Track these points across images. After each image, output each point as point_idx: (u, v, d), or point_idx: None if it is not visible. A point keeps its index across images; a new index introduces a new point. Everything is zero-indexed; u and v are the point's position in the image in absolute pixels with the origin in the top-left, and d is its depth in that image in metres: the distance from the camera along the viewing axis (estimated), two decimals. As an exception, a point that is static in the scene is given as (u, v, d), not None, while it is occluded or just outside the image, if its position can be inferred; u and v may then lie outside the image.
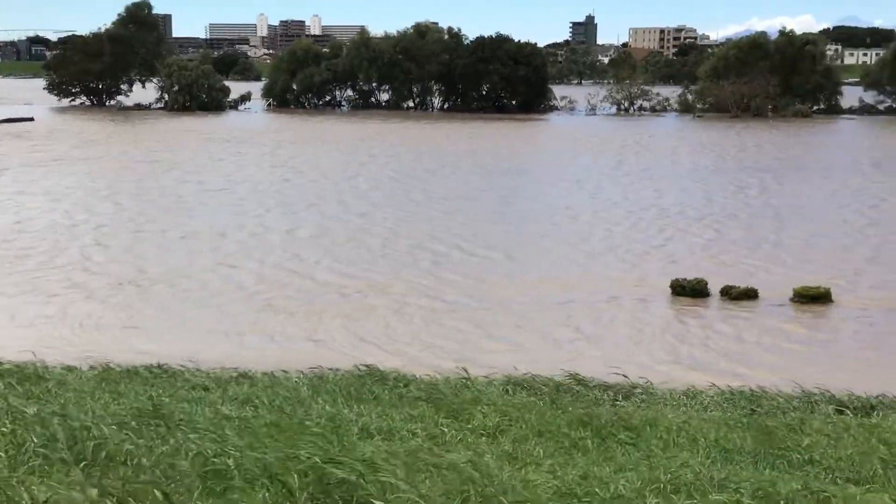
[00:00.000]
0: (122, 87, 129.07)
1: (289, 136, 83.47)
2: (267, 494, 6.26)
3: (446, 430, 10.66)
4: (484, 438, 10.29)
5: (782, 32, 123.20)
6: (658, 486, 7.51)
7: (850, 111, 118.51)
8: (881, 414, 14.53)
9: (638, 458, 8.97)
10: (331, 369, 17.01)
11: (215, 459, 7.06)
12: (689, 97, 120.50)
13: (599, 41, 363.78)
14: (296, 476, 6.43)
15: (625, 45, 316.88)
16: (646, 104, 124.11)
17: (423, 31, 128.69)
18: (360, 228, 36.45)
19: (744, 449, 9.82)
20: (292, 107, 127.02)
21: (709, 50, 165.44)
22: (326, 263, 30.13)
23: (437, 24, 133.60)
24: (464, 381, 16.19)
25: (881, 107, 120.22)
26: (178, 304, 24.89)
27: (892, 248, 33.38)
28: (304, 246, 33.04)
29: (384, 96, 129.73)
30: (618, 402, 15.20)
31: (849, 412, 14.67)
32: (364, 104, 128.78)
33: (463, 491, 6.41)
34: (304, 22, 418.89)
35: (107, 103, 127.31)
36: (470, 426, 10.99)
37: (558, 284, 27.58)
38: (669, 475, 7.89)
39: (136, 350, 19.55)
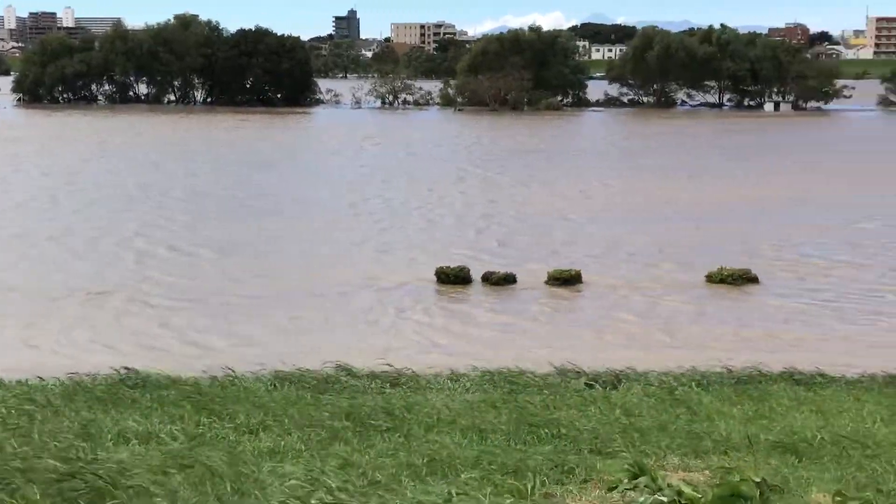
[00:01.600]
0: None
1: (25, 132, 78.97)
2: (6, 509, 5.94)
3: (208, 430, 10.47)
4: (246, 436, 10.19)
5: (533, 29, 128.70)
6: (414, 469, 7.72)
7: (597, 103, 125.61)
8: (626, 386, 15.52)
9: (397, 444, 9.18)
10: (88, 375, 16.23)
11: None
12: (450, 91, 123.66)
13: (363, 36, 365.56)
14: (36, 488, 6.13)
15: (387, 39, 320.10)
16: (409, 98, 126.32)
17: (186, 23, 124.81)
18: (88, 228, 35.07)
19: (499, 427, 10.25)
20: (45, 102, 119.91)
21: (466, 45, 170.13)
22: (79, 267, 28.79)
23: (197, 16, 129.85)
24: (230, 379, 15.90)
25: (625, 99, 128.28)
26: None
27: (631, 229, 35.73)
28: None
29: (144, 89, 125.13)
30: (385, 391, 15.40)
31: (598, 386, 15.58)
32: (122, 98, 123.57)
33: (216, 488, 6.34)
34: (55, 14, 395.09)
35: None
36: (232, 425, 10.84)
37: (328, 276, 27.68)
38: (426, 458, 8.12)
39: None
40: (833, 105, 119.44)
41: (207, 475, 6.76)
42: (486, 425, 10.35)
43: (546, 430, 9.91)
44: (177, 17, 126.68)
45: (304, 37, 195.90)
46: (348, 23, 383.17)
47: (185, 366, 18.02)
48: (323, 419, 11.21)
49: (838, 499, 6.37)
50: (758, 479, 6.55)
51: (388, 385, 15.95)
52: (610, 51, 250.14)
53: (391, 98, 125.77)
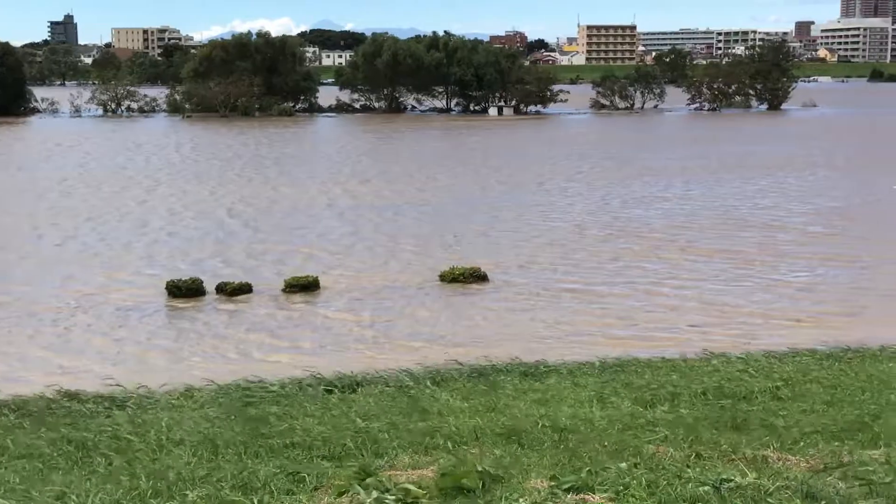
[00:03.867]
0: None
1: None
2: None
3: None
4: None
5: (261, 34, 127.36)
6: (138, 494, 7.38)
7: (329, 109, 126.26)
8: (365, 389, 15.61)
9: (121, 469, 8.73)
10: None
11: None
12: (178, 97, 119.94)
13: (81, 41, 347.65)
14: None
15: (108, 45, 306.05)
16: (134, 105, 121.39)
17: None
18: None
19: (232, 441, 10.00)
20: None
21: (192, 51, 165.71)
22: None
23: None
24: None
25: (357, 105, 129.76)
26: None
27: (370, 229, 36.23)
28: None
29: None
30: (112, 413, 14.62)
31: (337, 391, 15.57)
32: None
33: None
34: None
35: None
36: (-65, 463, 9.89)
37: (43, 296, 25.99)
38: (152, 480, 7.78)
39: None
40: (551, 109, 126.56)
41: None
42: (220, 441, 10.06)
43: (280, 441, 9.77)
44: None
45: (17, 42, 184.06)
46: (65, 28, 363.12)
47: None
48: (41, 448, 10.49)
49: (553, 482, 6.71)
50: (479, 470, 6.80)
51: (114, 407, 15.17)
52: (340, 57, 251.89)
53: (114, 105, 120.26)
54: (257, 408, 13.44)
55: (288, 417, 12.08)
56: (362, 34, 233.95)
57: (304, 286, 26.84)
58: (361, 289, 27.18)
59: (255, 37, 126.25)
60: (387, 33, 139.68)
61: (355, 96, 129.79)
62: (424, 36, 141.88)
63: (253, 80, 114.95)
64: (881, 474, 7.16)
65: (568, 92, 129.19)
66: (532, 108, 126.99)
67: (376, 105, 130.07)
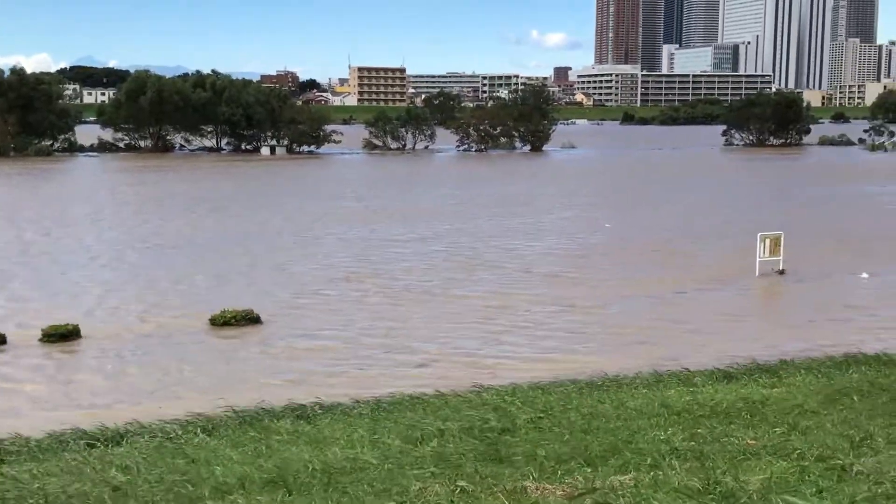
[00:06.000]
0: None
1: None
2: None
3: None
4: None
5: (15, 71, 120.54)
6: None
7: (92, 148, 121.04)
8: (131, 440, 14.96)
9: None
10: None
11: None
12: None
13: None
14: None
15: None
16: None
17: None
18: None
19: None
20: None
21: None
22: None
23: None
24: None
25: (121, 144, 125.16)
26: None
27: (131, 274, 34.86)
28: None
29: None
30: None
31: (100, 445, 14.85)
32: None
33: None
34: None
35: None
36: None
37: None
38: None
39: None
40: (325, 149, 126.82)
41: None
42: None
43: (33, 501, 9.21)
44: None
45: None
46: None
47: None
48: None
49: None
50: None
51: None
52: (103, 94, 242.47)
53: None
54: (9, 467, 12.61)
55: (40, 477, 11.40)
56: (126, 71, 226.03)
57: (64, 335, 25.40)
58: (126, 336, 26.07)
59: (7, 73, 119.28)
60: (150, 71, 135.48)
61: (119, 135, 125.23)
62: (191, 74, 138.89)
63: (7, 119, 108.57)
64: (629, 498, 7.62)
65: (341, 133, 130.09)
66: (305, 147, 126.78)
67: (141, 144, 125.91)
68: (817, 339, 25.05)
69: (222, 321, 27.25)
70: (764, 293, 33.34)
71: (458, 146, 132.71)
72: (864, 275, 34.65)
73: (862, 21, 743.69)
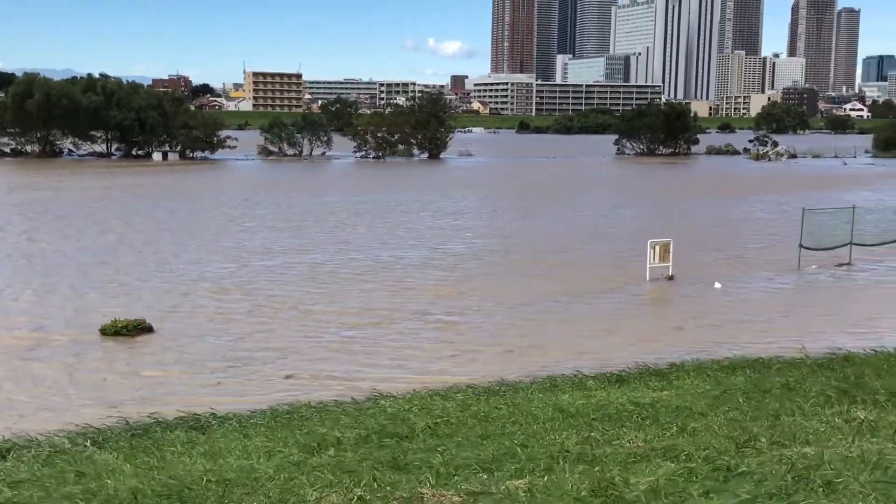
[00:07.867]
0: None
1: None
2: None
3: None
4: None
5: None
6: None
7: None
8: (16, 455, 14.50)
9: None
10: None
11: None
12: None
13: None
14: None
15: None
16: None
17: None
18: None
19: None
20: None
21: None
22: None
23: None
24: None
25: (7, 149, 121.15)
26: None
27: (21, 283, 33.79)
28: None
29: None
30: None
31: None
32: None
33: None
34: None
35: None
36: None
37: None
38: None
39: None
40: (220, 154, 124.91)
41: None
42: None
43: None
44: None
45: None
46: None
47: None
48: None
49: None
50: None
51: None
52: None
53: None
54: None
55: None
56: (12, 74, 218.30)
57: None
58: (13, 346, 25.23)
59: None
60: (38, 74, 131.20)
61: (4, 140, 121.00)
62: (80, 78, 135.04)
63: None
64: (523, 502, 7.78)
65: (236, 139, 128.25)
66: (199, 153, 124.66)
67: (28, 149, 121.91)
68: (705, 343, 25.87)
69: (113, 331, 26.61)
70: (653, 298, 34.22)
71: (355, 153, 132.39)
72: (718, 285, 35.38)
73: (747, 34, 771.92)
